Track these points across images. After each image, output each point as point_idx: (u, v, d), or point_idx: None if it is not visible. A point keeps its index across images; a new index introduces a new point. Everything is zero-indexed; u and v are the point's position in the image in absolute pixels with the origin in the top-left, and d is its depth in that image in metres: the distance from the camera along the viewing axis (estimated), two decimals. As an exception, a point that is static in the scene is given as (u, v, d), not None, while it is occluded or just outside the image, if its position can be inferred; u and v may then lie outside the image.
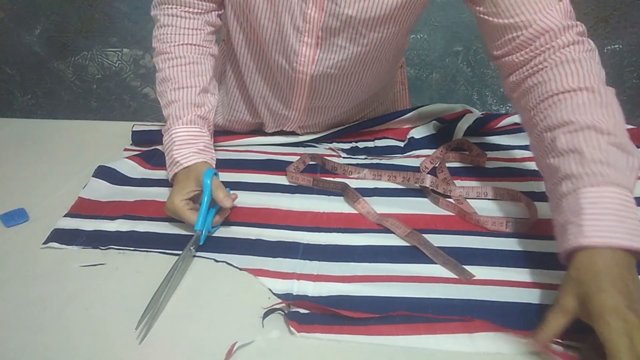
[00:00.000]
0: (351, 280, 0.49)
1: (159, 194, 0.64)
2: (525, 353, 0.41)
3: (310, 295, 0.47)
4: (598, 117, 0.47)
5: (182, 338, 0.43)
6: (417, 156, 0.73)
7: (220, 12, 0.71)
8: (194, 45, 0.67)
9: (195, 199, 0.59)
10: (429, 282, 0.49)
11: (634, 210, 0.42)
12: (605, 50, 1.36)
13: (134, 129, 0.79)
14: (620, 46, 1.34)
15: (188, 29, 0.67)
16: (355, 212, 0.60)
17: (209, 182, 0.56)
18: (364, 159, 0.73)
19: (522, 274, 0.49)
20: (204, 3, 0.67)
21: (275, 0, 0.61)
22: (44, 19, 1.40)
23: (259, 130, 0.81)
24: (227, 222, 0.58)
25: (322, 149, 0.77)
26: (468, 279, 0.48)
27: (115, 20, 1.36)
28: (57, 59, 1.47)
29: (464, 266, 0.50)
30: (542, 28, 0.51)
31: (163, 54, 0.66)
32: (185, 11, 0.67)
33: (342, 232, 0.57)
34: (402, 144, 0.76)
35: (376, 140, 0.77)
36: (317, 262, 0.52)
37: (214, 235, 0.56)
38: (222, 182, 0.66)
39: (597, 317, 0.37)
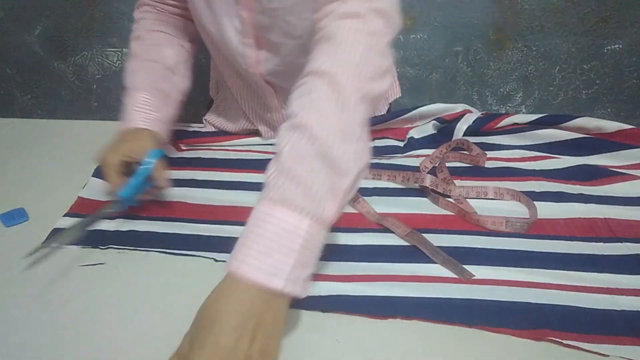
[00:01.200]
0: (351, 280, 0.49)
1: (159, 193, 0.64)
2: (525, 353, 0.41)
3: (310, 294, 0.47)
4: (320, 119, 0.39)
5: (182, 338, 0.43)
6: (417, 156, 0.73)
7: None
8: (165, 33, 0.70)
9: (127, 169, 0.59)
10: (428, 281, 0.49)
11: (298, 242, 0.36)
12: (605, 50, 1.35)
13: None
14: (620, 46, 1.34)
15: (161, 20, 0.70)
16: (355, 211, 0.60)
17: (152, 161, 0.58)
18: None
19: (522, 274, 0.49)
20: (174, 6, 0.70)
21: (214, 5, 0.61)
22: (44, 19, 1.40)
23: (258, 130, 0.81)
24: (227, 222, 0.58)
25: None
26: (468, 279, 0.49)
27: (115, 20, 1.35)
28: (57, 59, 1.47)
29: (464, 266, 0.50)
30: None
31: (135, 40, 0.69)
32: (160, 10, 0.71)
33: (342, 232, 0.56)
34: (401, 144, 0.76)
35: (376, 140, 0.77)
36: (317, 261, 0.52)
37: (214, 235, 0.56)
38: (222, 181, 0.66)
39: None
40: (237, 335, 0.34)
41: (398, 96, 0.91)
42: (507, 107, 1.47)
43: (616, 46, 1.35)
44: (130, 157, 0.59)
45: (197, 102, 1.51)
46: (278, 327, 0.37)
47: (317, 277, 0.49)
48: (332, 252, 0.53)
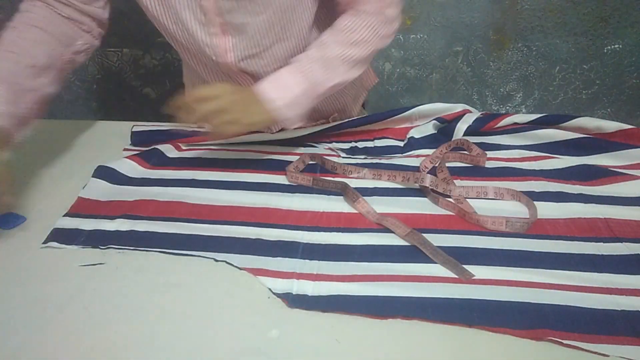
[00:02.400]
0: (351, 280, 0.49)
1: (159, 193, 0.64)
2: (525, 353, 0.41)
3: (309, 294, 0.47)
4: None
5: (182, 338, 0.43)
6: (417, 156, 0.73)
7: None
8: (47, 33, 0.64)
9: None
10: (429, 281, 0.49)
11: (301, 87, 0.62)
12: (605, 50, 1.35)
13: (133, 130, 0.79)
14: (620, 46, 1.34)
15: (49, 20, 0.65)
16: (355, 211, 0.60)
17: None
18: (364, 158, 0.73)
19: (522, 274, 0.49)
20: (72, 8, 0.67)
21: (171, 3, 0.62)
22: (44, 19, 1.40)
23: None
24: (227, 222, 0.58)
25: (321, 149, 0.77)
26: (468, 279, 0.49)
27: (115, 20, 1.35)
28: (57, 59, 1.47)
29: (464, 266, 0.50)
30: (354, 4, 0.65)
31: (9, 29, 0.63)
32: (53, 10, 0.66)
33: (342, 232, 0.57)
34: (401, 144, 0.76)
35: (376, 140, 0.77)
36: (316, 261, 0.52)
37: (214, 235, 0.56)
38: (222, 181, 0.66)
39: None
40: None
41: (376, 80, 0.92)
42: (507, 107, 1.47)
43: (616, 46, 1.35)
44: None
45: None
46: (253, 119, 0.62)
47: (317, 277, 0.49)
48: (332, 252, 0.53)
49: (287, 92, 0.63)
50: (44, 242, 0.55)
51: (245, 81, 0.72)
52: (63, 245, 0.55)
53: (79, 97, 1.55)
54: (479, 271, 0.50)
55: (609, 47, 1.36)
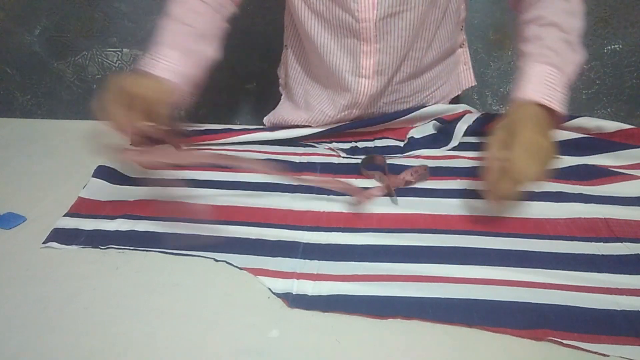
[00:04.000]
0: (351, 280, 0.49)
1: (159, 193, 0.64)
2: (525, 353, 0.41)
3: (310, 294, 0.47)
4: (562, 18, 0.61)
5: (182, 338, 0.43)
6: (417, 156, 0.73)
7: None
8: (207, 4, 0.68)
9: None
10: (429, 281, 0.49)
11: (562, 85, 0.58)
12: (605, 50, 1.35)
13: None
14: (620, 46, 1.34)
15: None
16: (356, 212, 0.60)
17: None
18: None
19: (522, 274, 0.49)
20: None
21: None
22: (44, 19, 1.39)
23: (259, 128, 0.81)
24: (227, 222, 0.58)
25: (321, 149, 0.77)
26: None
27: (115, 20, 1.35)
28: (57, 59, 1.47)
29: (464, 265, 0.50)
30: None
31: (174, 1, 0.67)
32: None
33: (343, 232, 0.57)
34: (402, 144, 0.76)
35: (376, 140, 0.77)
36: (317, 261, 0.52)
37: (214, 235, 0.56)
38: (222, 181, 0.65)
39: (512, 145, 0.53)
40: (537, 125, 0.55)
41: (474, 84, 0.91)
42: (507, 107, 1.47)
43: (616, 46, 1.35)
44: (150, 121, 0.57)
45: (196, 102, 1.51)
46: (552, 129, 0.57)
47: (317, 277, 0.49)
48: (332, 252, 0.53)
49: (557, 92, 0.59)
50: (44, 242, 0.55)
51: (363, 52, 0.70)
52: (63, 246, 0.55)
53: (79, 97, 1.55)
54: (478, 271, 0.50)
55: (609, 47, 1.35)
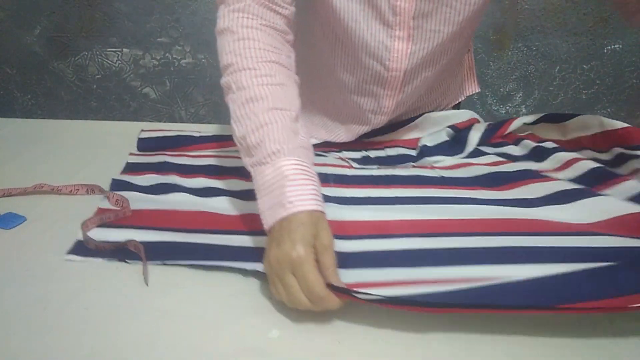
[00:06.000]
0: (391, 285, 0.46)
1: (178, 201, 0.61)
2: (525, 354, 0.41)
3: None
4: None
5: (182, 338, 0.43)
6: (432, 167, 0.70)
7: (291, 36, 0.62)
8: (281, 65, 0.56)
9: None
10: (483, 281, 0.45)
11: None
12: (605, 50, 1.35)
13: (140, 136, 0.78)
14: (620, 46, 1.34)
15: (272, 46, 0.56)
16: (382, 219, 0.56)
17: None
18: (377, 168, 0.70)
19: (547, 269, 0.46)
20: (281, 17, 0.58)
21: (361, 0, 0.59)
22: (44, 19, 1.40)
23: None
24: (251, 232, 0.55)
25: (331, 159, 0.74)
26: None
27: (115, 20, 1.36)
28: (57, 59, 1.47)
29: (517, 265, 0.47)
30: None
31: (247, 70, 0.53)
32: (264, 24, 0.56)
33: (375, 239, 0.53)
34: (414, 152, 0.74)
35: (387, 149, 0.75)
36: (354, 269, 0.48)
37: (240, 245, 0.53)
38: (240, 191, 0.63)
39: None
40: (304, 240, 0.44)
41: (477, 91, 0.89)
42: (507, 107, 1.47)
43: (616, 46, 1.35)
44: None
45: (196, 102, 1.51)
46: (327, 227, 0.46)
47: (356, 285, 0.47)
48: (368, 260, 0.50)
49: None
50: (68, 253, 0.52)
51: (386, 95, 0.68)
52: (87, 259, 0.51)
53: (79, 97, 1.55)
54: (488, 271, 0.47)
55: (609, 47, 1.36)
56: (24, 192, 0.64)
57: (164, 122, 1.57)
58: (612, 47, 1.35)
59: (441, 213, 0.57)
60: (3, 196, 0.64)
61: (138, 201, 0.62)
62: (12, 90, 1.55)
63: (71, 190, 0.64)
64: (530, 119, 0.74)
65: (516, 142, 0.74)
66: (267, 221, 0.48)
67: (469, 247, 0.51)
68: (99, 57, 1.47)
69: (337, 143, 0.76)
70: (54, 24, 1.41)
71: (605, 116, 0.70)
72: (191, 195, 0.63)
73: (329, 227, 0.46)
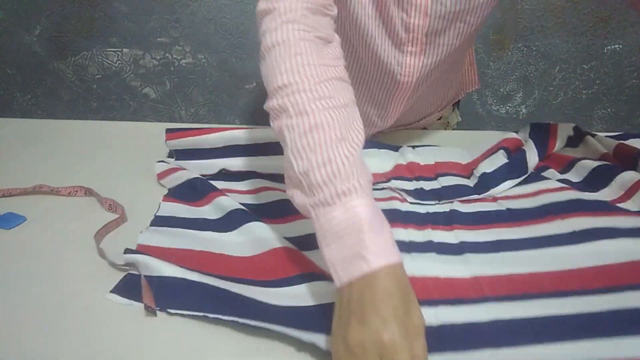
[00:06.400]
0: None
1: (219, 241, 0.55)
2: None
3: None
4: None
5: (182, 338, 0.43)
6: (494, 199, 0.61)
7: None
8: (341, 80, 0.49)
9: None
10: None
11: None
12: (605, 50, 1.36)
13: (169, 142, 0.70)
14: (620, 46, 1.34)
15: (331, 58, 0.49)
16: (454, 276, 0.48)
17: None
18: (435, 204, 0.60)
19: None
20: (330, 18, 0.53)
21: (374, 15, 0.59)
22: (44, 19, 1.40)
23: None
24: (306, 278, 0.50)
25: (382, 190, 0.63)
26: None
27: (115, 20, 1.36)
28: (57, 59, 1.47)
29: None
30: None
31: (308, 92, 0.45)
32: (318, 36, 0.50)
33: (452, 305, 0.44)
34: (470, 183, 0.64)
35: (440, 178, 0.65)
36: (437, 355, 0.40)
37: (303, 305, 0.46)
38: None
39: None
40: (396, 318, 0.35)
41: (477, 87, 0.89)
42: (507, 107, 1.47)
43: (616, 46, 1.35)
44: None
45: (196, 102, 1.51)
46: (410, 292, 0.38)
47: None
48: (451, 335, 0.43)
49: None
50: (110, 291, 0.48)
51: (394, 104, 0.68)
52: (130, 301, 0.47)
53: (79, 97, 1.55)
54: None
55: (609, 47, 1.36)
56: (24, 192, 0.64)
57: (164, 122, 1.57)
58: (612, 47, 1.35)
59: (521, 264, 0.48)
60: (3, 196, 0.64)
61: (179, 237, 0.56)
62: (12, 90, 1.55)
63: (70, 192, 0.65)
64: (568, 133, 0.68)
65: (568, 166, 0.66)
66: (340, 276, 0.39)
67: (569, 313, 0.42)
68: (99, 57, 1.47)
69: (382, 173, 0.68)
70: (54, 24, 1.41)
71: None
72: (233, 233, 0.55)
73: (415, 295, 0.38)
